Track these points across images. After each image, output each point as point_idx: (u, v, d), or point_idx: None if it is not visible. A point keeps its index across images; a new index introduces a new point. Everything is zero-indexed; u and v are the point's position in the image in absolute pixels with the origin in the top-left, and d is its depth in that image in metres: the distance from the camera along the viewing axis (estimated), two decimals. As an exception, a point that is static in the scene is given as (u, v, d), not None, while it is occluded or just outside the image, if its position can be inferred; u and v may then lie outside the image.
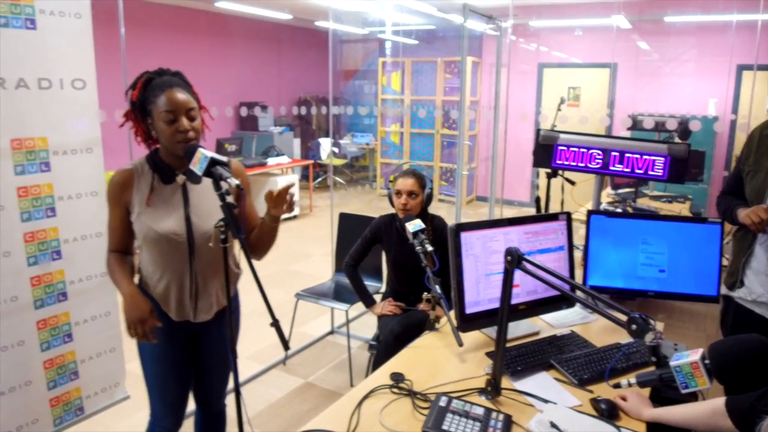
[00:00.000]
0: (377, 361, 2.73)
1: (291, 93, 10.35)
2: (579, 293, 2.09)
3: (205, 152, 1.67)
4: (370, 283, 3.66)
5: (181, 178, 1.86)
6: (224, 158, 1.72)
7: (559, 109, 4.66)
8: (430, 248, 2.35)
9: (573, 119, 4.65)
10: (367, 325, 4.28)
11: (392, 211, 2.99)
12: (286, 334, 2.01)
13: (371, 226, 3.05)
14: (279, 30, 9.90)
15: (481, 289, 2.11)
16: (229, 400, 2.28)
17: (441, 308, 2.22)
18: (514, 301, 2.13)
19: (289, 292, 3.81)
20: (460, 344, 2.01)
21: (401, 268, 2.99)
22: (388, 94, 9.32)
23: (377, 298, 3.23)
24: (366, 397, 1.76)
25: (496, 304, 2.06)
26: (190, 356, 2.11)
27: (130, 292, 1.87)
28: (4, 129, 2.17)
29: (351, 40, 10.66)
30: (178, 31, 8.21)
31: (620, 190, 5.07)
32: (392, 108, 9.22)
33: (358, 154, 10.73)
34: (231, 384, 2.02)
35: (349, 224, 3.91)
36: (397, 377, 1.86)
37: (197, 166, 1.66)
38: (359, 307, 3.36)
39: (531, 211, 8.17)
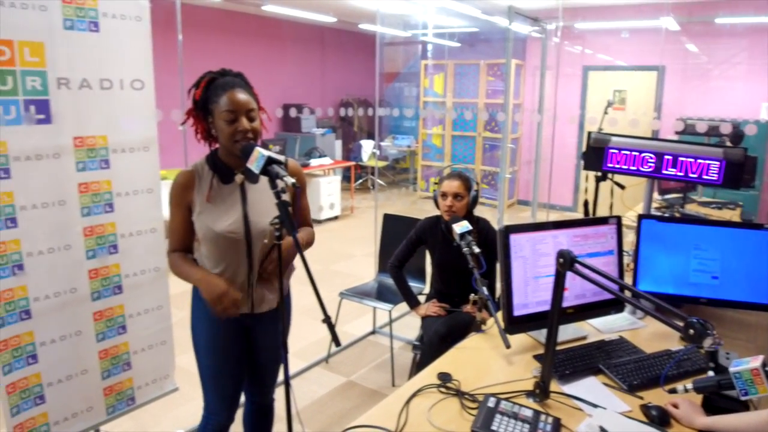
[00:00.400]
0: (422, 362, 2.74)
1: (333, 95, 10.46)
2: (633, 298, 2.06)
3: (262, 151, 1.71)
4: (413, 284, 3.67)
5: (239, 178, 1.91)
6: (281, 157, 1.76)
7: (606, 112, 4.59)
8: (477, 250, 2.35)
9: (622, 122, 4.57)
10: (409, 326, 4.29)
11: (437, 212, 3.00)
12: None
13: (416, 227, 3.07)
14: (323, 33, 10.01)
15: (530, 291, 2.10)
16: (277, 395, 2.32)
17: (487, 310, 2.22)
18: (563, 305, 2.12)
19: (331, 291, 3.85)
20: (508, 346, 2.01)
21: (446, 269, 3.00)
22: (430, 97, 9.32)
23: (421, 299, 3.24)
24: (414, 395, 1.77)
25: (544, 307, 2.07)
26: (245, 350, 2.16)
27: (202, 274, 1.93)
28: (68, 127, 2.27)
29: (393, 43, 10.70)
30: (227, 33, 8.38)
31: (667, 196, 4.95)
32: (434, 110, 9.21)
33: (398, 156, 10.76)
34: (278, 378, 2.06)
35: (393, 225, 3.93)
36: (445, 377, 1.87)
37: (254, 164, 1.71)
38: (402, 307, 3.37)
39: (574, 216, 8.06)
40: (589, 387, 1.86)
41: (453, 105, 9.00)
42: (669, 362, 1.96)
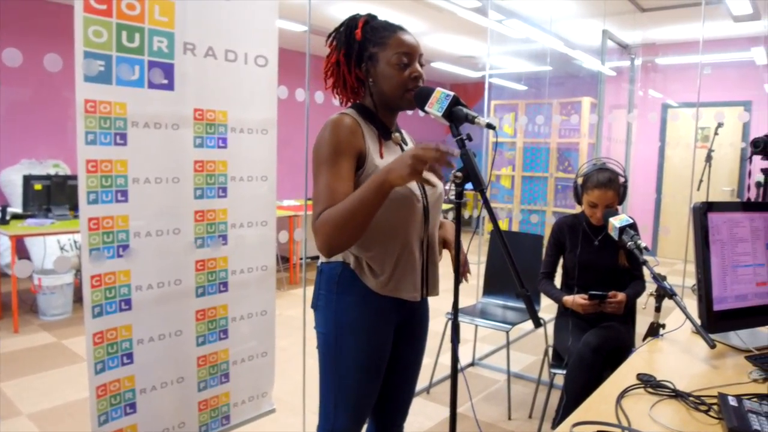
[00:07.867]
0: (573, 379, 2.33)
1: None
2: None
3: (445, 90, 1.44)
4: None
5: (396, 137, 1.64)
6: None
7: (716, 133, 4.26)
8: (643, 244, 2.03)
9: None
10: (506, 359, 3.90)
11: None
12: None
13: (552, 231, 2.77)
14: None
15: (728, 282, 1.75)
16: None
17: (679, 306, 1.83)
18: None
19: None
20: (712, 345, 1.64)
21: (587, 269, 2.65)
22: (499, 137, 9.09)
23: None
24: (622, 395, 1.42)
25: (745, 303, 1.75)
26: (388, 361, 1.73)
27: (381, 172, 1.38)
28: (190, 97, 2.05)
29: (462, 83, 10.64)
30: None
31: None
32: (504, 151, 8.94)
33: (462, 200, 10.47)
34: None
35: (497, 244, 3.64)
36: (648, 378, 1.51)
37: (436, 106, 1.41)
38: (498, 339, 3.03)
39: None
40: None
41: (523, 145, 8.74)
42: None
